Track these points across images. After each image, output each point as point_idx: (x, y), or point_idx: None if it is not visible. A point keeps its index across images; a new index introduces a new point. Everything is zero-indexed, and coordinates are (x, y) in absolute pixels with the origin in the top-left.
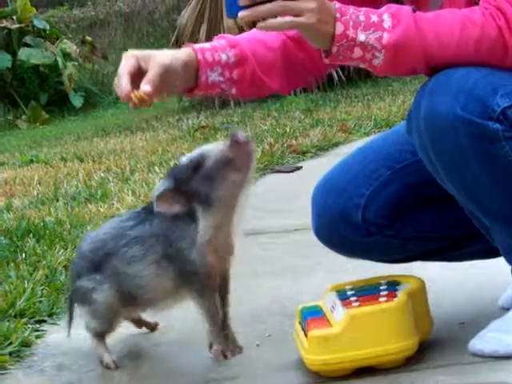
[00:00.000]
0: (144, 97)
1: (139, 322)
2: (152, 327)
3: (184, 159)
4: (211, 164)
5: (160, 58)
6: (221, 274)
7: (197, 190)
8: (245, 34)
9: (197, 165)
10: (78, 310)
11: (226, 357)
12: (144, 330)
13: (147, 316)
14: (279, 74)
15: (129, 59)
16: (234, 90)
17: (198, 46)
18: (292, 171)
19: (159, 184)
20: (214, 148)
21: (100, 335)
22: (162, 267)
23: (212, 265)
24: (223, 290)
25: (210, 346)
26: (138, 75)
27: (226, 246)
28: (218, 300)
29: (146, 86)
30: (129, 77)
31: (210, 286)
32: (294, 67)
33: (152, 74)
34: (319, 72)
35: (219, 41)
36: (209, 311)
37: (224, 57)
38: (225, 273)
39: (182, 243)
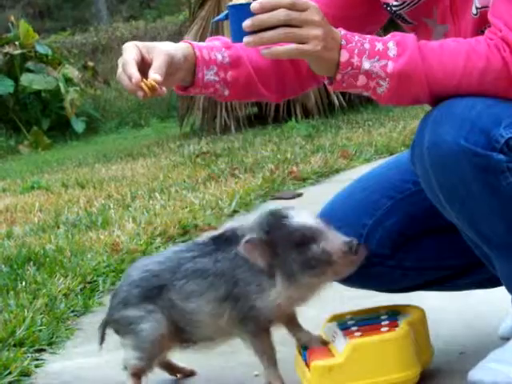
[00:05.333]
0: (155, 85)
1: (173, 369)
2: (188, 373)
3: (291, 217)
4: (318, 251)
5: (164, 47)
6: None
7: (289, 260)
8: None
9: (304, 238)
10: (121, 341)
11: None
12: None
13: (182, 362)
14: (271, 81)
15: (131, 49)
16: (226, 92)
17: (195, 42)
18: (292, 198)
19: (250, 223)
20: (331, 236)
21: (138, 375)
22: (221, 306)
23: (276, 316)
24: (292, 321)
25: None
26: (141, 65)
27: (286, 314)
28: (272, 338)
29: (155, 75)
30: (136, 65)
31: (266, 329)
32: (283, 77)
33: (159, 62)
34: (302, 87)
35: (213, 42)
36: (264, 352)
37: (219, 57)
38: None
39: (251, 288)
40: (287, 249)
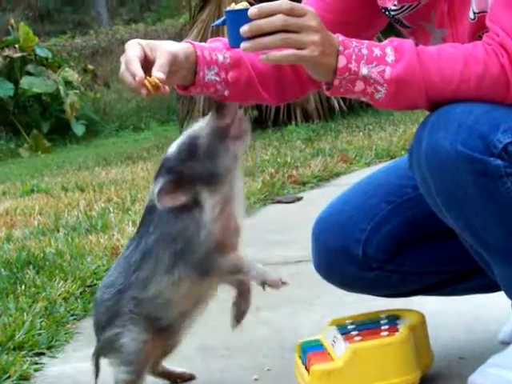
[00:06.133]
0: (158, 84)
1: (172, 376)
2: (188, 378)
3: (172, 148)
4: (207, 141)
5: (167, 45)
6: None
7: (199, 171)
8: None
9: (191, 148)
10: (109, 362)
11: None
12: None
13: (179, 366)
14: (271, 84)
15: (134, 47)
16: (226, 92)
17: (196, 42)
18: (292, 202)
19: (154, 183)
20: (202, 125)
21: None
22: (175, 270)
23: (222, 241)
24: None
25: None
26: (143, 63)
27: (232, 227)
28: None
29: (159, 73)
30: (139, 62)
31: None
32: (283, 80)
33: (162, 60)
34: (302, 91)
35: (215, 43)
36: (236, 262)
37: (220, 57)
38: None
39: (188, 232)
40: (189, 170)
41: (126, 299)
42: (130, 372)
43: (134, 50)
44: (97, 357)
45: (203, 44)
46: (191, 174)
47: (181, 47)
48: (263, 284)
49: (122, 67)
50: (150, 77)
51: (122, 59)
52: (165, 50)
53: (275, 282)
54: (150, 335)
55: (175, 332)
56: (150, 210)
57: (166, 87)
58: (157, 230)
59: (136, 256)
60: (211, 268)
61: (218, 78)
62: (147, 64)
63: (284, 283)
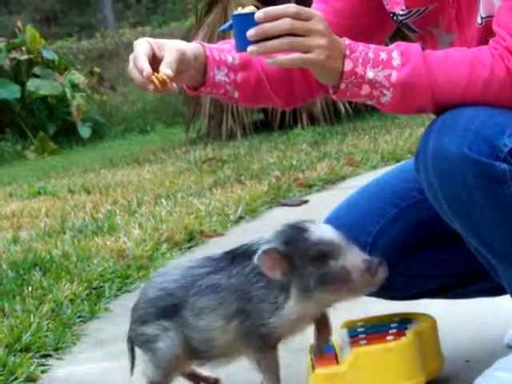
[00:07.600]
0: (166, 80)
1: (196, 378)
2: (213, 382)
3: (311, 231)
4: (336, 267)
5: (175, 44)
6: None
7: (305, 273)
8: None
9: (322, 253)
10: (142, 355)
11: None
12: None
13: (206, 370)
14: (280, 87)
15: (143, 44)
16: (236, 94)
17: (205, 43)
18: (298, 205)
19: (268, 235)
20: (351, 253)
21: None
22: (232, 322)
23: (287, 334)
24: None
25: None
26: (152, 61)
27: (306, 322)
28: (278, 354)
29: (166, 69)
30: (147, 59)
31: (273, 345)
32: (292, 83)
33: (170, 58)
34: (311, 95)
35: (223, 44)
36: (268, 367)
37: (230, 58)
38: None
39: (265, 305)
40: (304, 262)
41: (178, 313)
42: (159, 376)
43: (142, 47)
44: (131, 344)
45: (212, 45)
46: (298, 265)
47: (189, 46)
48: None
49: (130, 64)
50: (158, 73)
51: (131, 57)
52: (173, 47)
53: None
54: (186, 352)
55: (209, 361)
56: (248, 255)
57: (174, 84)
58: (239, 279)
59: (206, 281)
60: (252, 343)
61: (227, 79)
62: (155, 62)
63: None
